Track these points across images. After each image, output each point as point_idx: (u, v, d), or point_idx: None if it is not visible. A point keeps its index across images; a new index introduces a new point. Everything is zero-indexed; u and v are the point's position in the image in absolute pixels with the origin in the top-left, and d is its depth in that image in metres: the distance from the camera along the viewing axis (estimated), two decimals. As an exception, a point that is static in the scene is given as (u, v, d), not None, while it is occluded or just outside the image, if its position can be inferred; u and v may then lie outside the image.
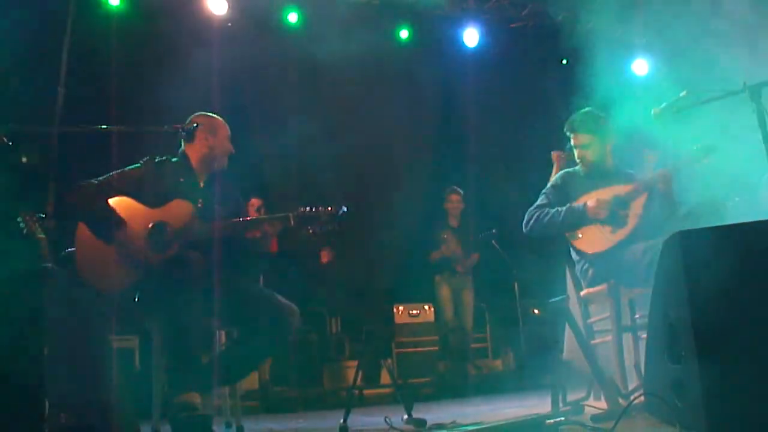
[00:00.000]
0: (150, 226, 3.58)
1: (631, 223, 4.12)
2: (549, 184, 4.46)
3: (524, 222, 4.34)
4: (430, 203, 8.29)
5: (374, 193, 7.98)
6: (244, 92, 7.63)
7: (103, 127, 3.50)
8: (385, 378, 7.37)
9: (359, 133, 7.46)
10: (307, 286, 7.11)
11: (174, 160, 3.88)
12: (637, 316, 4.55)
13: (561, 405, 3.71)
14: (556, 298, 3.63)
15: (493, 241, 7.42)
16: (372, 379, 7.28)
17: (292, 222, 3.54)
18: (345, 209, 3.53)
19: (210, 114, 3.96)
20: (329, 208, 3.53)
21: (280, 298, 3.66)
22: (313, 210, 3.53)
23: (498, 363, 8.40)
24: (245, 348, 3.63)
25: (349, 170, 7.66)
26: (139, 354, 6.20)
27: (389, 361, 7.40)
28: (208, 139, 3.88)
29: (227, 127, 3.97)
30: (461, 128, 8.65)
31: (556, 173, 4.84)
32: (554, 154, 5.39)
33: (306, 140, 7.47)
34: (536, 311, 8.74)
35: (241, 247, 3.67)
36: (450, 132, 8.89)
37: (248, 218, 3.67)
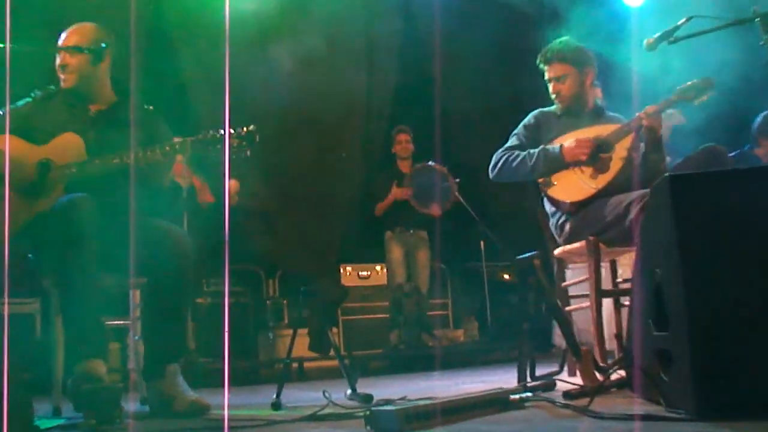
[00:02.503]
0: (33, 166, 3.51)
1: (615, 168, 4.08)
2: (521, 124, 4.41)
3: (491, 165, 4.30)
4: (385, 152, 8.27)
5: (321, 140, 7.92)
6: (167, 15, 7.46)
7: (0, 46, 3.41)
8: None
9: (307, 73, 7.38)
10: (241, 240, 7.03)
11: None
12: (619, 279, 4.56)
13: (529, 380, 3.69)
14: (525, 255, 3.59)
15: (456, 193, 7.41)
16: (321, 350, 7.25)
17: (188, 148, 3.43)
18: (252, 128, 3.45)
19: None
20: (233, 130, 3.45)
21: (170, 228, 3.61)
22: (214, 133, 3.45)
23: (459, 333, 8.45)
24: (152, 308, 3.53)
25: (293, 115, 7.57)
26: (41, 319, 6.08)
27: (334, 330, 7.38)
28: (112, 57, 3.79)
29: None
30: (422, 66, 8.56)
31: None
32: None
33: (249, 82, 7.36)
34: (506, 276, 8.83)
35: (146, 186, 3.56)
36: (410, 72, 8.79)
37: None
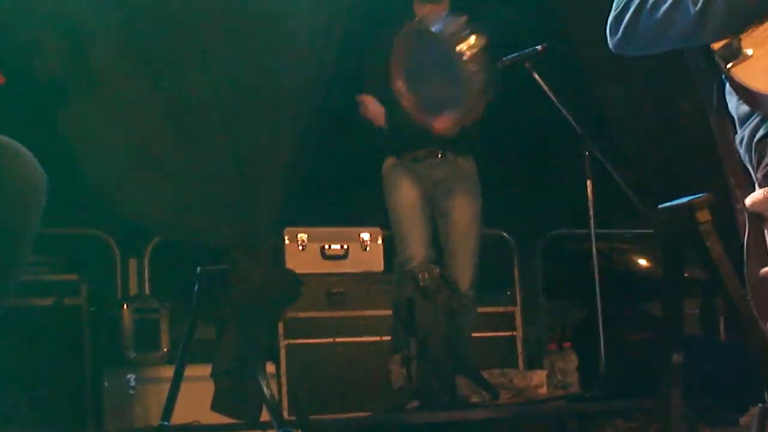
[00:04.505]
0: None
1: None
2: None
3: (611, 18, 4.21)
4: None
5: None
6: None
7: None
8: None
9: None
10: (73, 177, 7.02)
11: None
12: None
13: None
14: (678, 201, 3.54)
15: (534, 74, 7.38)
16: (238, 412, 7.31)
17: None
18: None
19: None
20: None
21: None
22: None
23: (538, 378, 8.49)
24: None
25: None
26: None
27: (269, 367, 7.38)
28: None
29: None
30: None
31: None
32: None
33: None
34: (641, 261, 8.84)
35: None
36: None
37: None
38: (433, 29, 7.35)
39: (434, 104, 7.45)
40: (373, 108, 7.71)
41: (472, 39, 7.20)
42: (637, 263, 8.94)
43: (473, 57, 7.17)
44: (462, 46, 7.20)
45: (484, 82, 7.19)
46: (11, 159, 3.60)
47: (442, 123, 7.39)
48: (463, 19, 7.30)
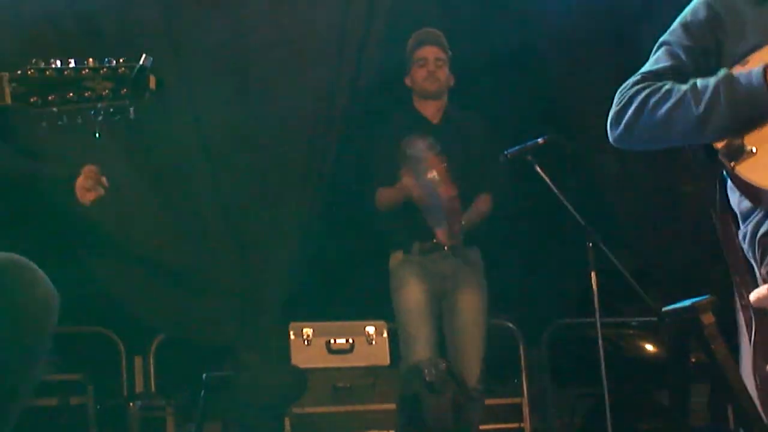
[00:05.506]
0: None
1: None
2: (677, 22, 4.35)
3: (612, 114, 4.25)
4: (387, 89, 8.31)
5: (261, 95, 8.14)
6: None
7: None
8: None
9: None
10: (79, 275, 7.02)
11: None
12: None
13: None
14: (683, 304, 3.52)
15: (536, 167, 7.35)
16: None
17: (8, 92, 3.43)
18: (145, 61, 3.59)
19: None
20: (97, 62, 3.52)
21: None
22: (76, 67, 3.54)
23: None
24: None
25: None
26: None
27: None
28: None
29: None
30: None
31: None
32: None
33: None
34: (648, 346, 8.78)
35: None
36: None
37: None
38: (408, 152, 7.38)
39: (437, 214, 7.47)
40: (414, 186, 7.56)
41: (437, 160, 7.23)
42: (645, 349, 8.88)
43: (445, 181, 7.19)
44: (434, 172, 7.22)
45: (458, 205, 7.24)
46: (26, 280, 3.67)
47: (440, 235, 7.42)
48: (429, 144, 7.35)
